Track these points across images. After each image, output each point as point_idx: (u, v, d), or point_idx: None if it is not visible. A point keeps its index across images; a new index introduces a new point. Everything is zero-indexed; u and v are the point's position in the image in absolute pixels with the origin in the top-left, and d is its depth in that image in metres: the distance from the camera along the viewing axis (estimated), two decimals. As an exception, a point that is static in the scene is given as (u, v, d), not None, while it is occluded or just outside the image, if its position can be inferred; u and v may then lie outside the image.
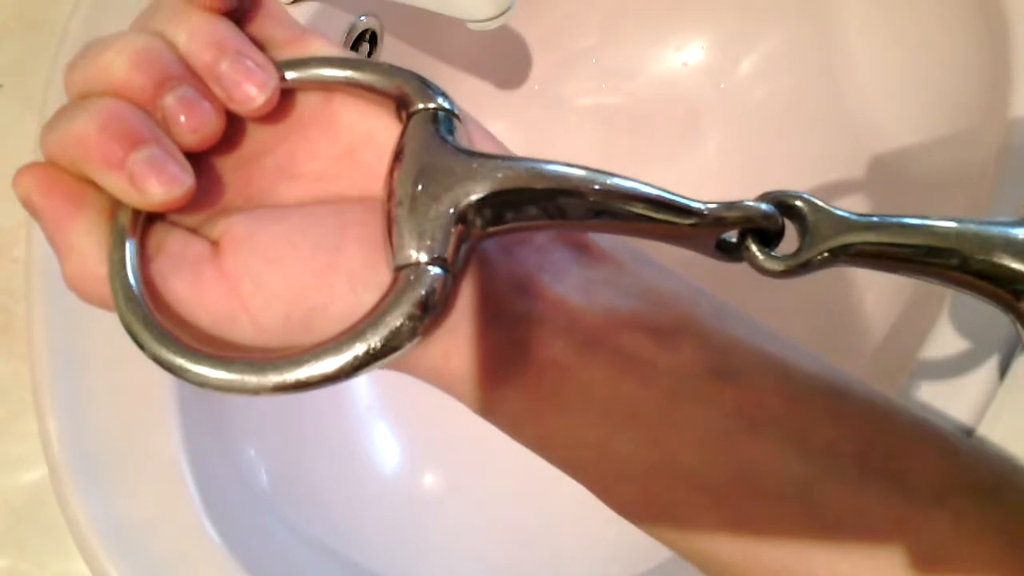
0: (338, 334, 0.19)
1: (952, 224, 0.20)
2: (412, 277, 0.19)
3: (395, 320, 0.19)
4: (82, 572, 0.31)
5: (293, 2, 0.36)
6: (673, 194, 0.20)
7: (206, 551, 0.30)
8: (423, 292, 0.19)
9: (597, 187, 0.20)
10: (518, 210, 0.20)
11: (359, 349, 0.18)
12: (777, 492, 0.19)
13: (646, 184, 0.20)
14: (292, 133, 0.22)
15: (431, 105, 0.21)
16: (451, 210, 0.19)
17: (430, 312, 0.19)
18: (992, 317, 0.31)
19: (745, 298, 0.45)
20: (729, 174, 0.47)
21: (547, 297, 0.20)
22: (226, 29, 0.20)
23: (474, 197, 0.19)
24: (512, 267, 0.21)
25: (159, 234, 0.20)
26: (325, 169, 0.21)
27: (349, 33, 0.39)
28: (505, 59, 0.49)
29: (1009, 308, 0.20)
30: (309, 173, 0.21)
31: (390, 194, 0.20)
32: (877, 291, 0.40)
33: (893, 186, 0.42)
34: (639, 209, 0.20)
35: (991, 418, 0.30)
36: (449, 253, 0.19)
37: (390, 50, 0.42)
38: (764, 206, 0.20)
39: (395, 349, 0.19)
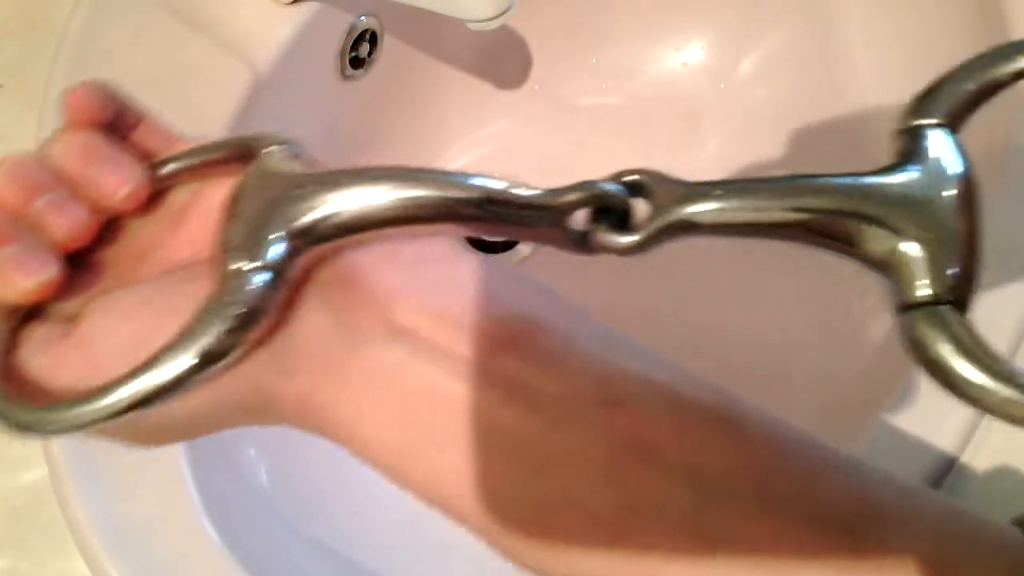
0: (158, 350, 0.18)
1: (795, 182, 0.19)
2: (232, 282, 0.19)
3: (212, 326, 0.18)
4: (82, 572, 0.31)
5: (293, 2, 0.36)
6: (503, 184, 0.20)
7: (206, 551, 0.30)
8: (243, 294, 0.18)
9: (427, 191, 0.20)
10: (353, 221, 0.20)
11: (178, 364, 0.18)
12: (672, 521, 0.18)
13: (477, 177, 0.20)
14: (175, 225, 0.23)
15: (267, 149, 0.21)
16: (283, 227, 0.19)
17: (255, 316, 0.19)
18: (994, 318, 0.31)
19: (742, 300, 0.45)
20: (729, 174, 0.47)
21: (415, 318, 0.20)
22: (94, 139, 0.22)
23: (308, 215, 0.20)
24: (375, 287, 0.20)
25: (32, 328, 0.21)
26: (205, 248, 0.23)
27: (349, 33, 0.39)
28: (505, 59, 0.49)
29: (856, 256, 0.19)
30: (193, 256, 0.23)
31: (224, 226, 0.20)
32: (877, 293, 0.40)
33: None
34: (472, 207, 0.20)
35: (990, 418, 0.30)
36: (278, 262, 0.19)
37: (390, 50, 0.42)
38: (604, 184, 0.20)
39: (218, 356, 0.18)
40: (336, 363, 0.20)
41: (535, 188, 0.20)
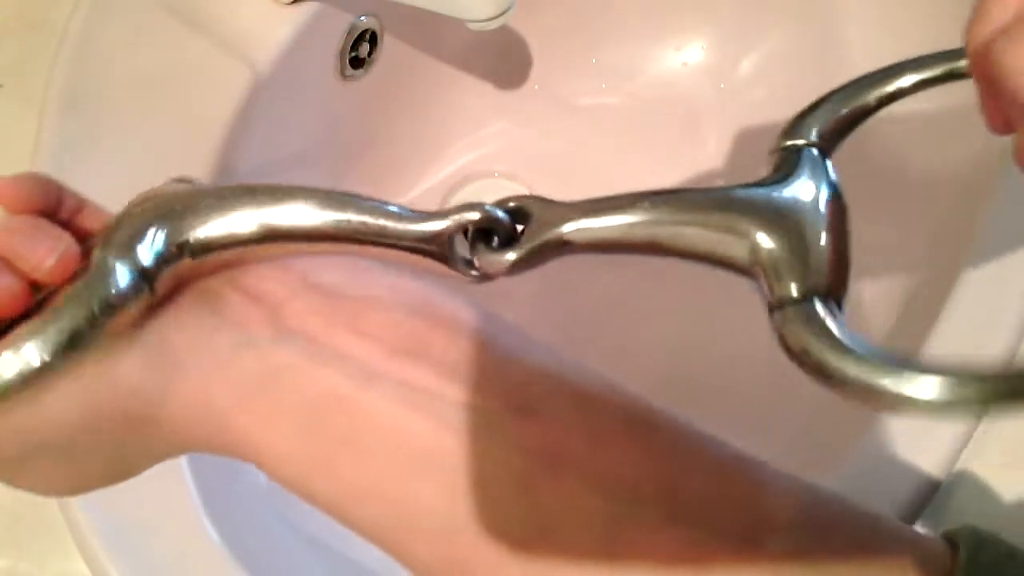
0: (12, 335, 0.19)
1: (663, 197, 0.20)
2: (96, 272, 0.19)
3: (67, 312, 0.19)
4: (82, 572, 0.31)
5: (293, 2, 0.36)
6: (391, 207, 0.20)
7: (205, 550, 0.30)
8: (102, 285, 0.19)
9: (311, 213, 0.20)
10: (233, 238, 0.20)
11: (35, 348, 0.18)
12: (584, 535, 0.18)
13: (368, 201, 0.20)
14: None
15: (173, 180, 0.22)
16: (164, 235, 0.20)
17: (113, 306, 0.19)
18: (995, 318, 0.31)
19: (744, 299, 0.44)
20: (729, 174, 0.47)
21: (308, 322, 0.20)
22: (25, 219, 0.22)
23: (193, 229, 0.20)
24: (265, 295, 0.20)
25: None
26: None
27: (349, 33, 0.39)
28: (505, 59, 0.49)
29: (728, 266, 0.19)
30: None
31: (107, 230, 0.21)
32: (875, 289, 0.40)
33: (893, 186, 0.42)
34: (352, 228, 0.20)
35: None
36: (148, 265, 0.19)
37: (390, 50, 0.42)
38: (488, 207, 0.20)
39: (75, 342, 0.18)
40: (222, 363, 0.19)
41: (421, 211, 0.20)
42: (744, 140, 0.47)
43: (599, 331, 0.45)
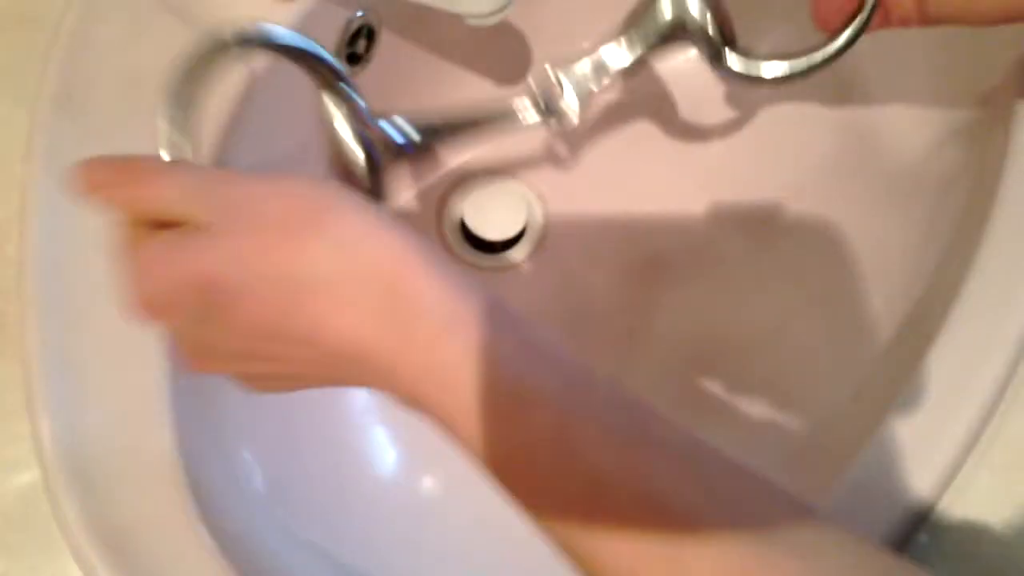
0: None
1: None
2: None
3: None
4: (74, 577, 0.30)
5: (289, -3, 0.36)
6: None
7: (200, 556, 0.30)
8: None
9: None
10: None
11: None
12: (630, 501, 0.20)
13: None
14: None
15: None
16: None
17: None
18: (995, 322, 0.30)
19: (752, 294, 0.44)
20: (733, 169, 0.47)
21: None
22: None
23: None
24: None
25: None
26: None
27: (346, 29, 0.39)
28: (504, 55, 0.49)
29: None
30: None
31: None
32: (886, 292, 0.39)
33: (897, 181, 0.41)
34: None
35: (999, 420, 0.30)
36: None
37: (388, 46, 0.42)
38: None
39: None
40: (428, 244, 0.23)
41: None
42: (748, 137, 0.47)
43: (608, 328, 0.44)
